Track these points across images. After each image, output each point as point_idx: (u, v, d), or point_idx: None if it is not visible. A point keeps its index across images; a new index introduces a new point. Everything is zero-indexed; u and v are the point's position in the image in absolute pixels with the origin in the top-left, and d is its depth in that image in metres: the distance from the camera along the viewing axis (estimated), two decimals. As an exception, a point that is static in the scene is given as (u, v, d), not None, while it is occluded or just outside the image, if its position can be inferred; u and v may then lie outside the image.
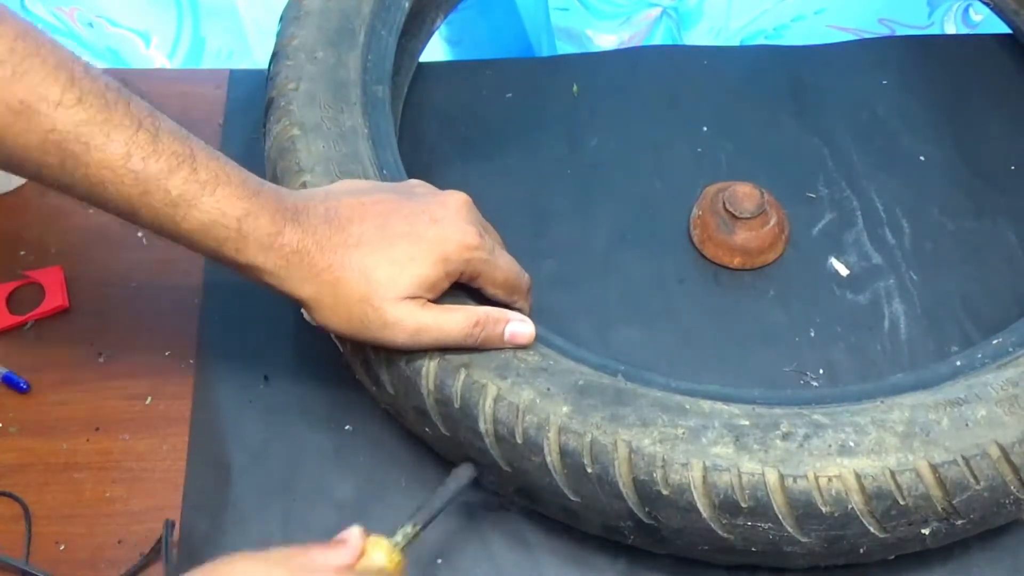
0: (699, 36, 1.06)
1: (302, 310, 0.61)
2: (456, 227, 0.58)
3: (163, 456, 0.67)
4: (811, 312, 0.73)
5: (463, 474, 0.59)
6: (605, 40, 1.08)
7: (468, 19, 1.07)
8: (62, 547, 0.63)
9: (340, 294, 0.56)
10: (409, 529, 0.55)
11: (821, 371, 0.70)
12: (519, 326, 0.59)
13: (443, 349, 0.58)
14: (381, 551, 0.53)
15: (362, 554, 0.52)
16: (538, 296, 0.66)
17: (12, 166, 0.53)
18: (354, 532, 0.52)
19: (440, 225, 0.57)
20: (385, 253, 0.56)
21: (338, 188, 0.61)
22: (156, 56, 1.08)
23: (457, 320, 0.57)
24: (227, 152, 0.81)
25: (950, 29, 1.07)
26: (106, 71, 0.55)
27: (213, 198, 0.54)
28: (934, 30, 1.07)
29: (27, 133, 0.51)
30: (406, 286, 0.56)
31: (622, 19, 1.06)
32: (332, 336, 0.63)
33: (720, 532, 0.55)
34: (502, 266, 0.60)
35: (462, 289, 0.60)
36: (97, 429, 0.68)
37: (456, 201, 0.60)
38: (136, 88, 0.56)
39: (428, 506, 0.57)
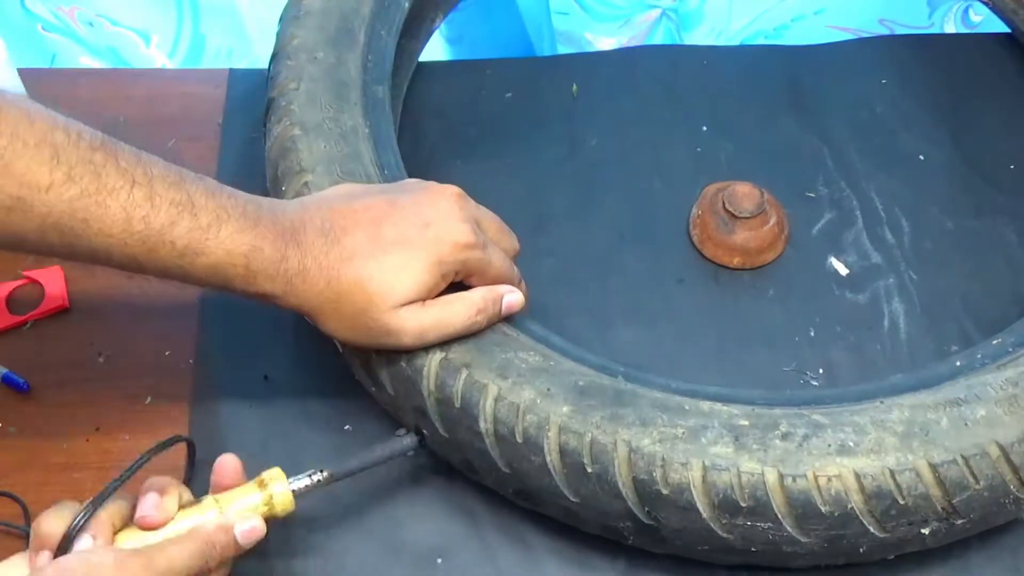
0: (700, 38, 1.06)
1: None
2: (449, 227, 0.58)
3: (163, 456, 0.67)
4: (811, 312, 0.73)
5: (398, 443, 0.60)
6: (605, 43, 1.08)
7: (468, 19, 1.07)
8: (62, 547, 0.63)
9: (341, 308, 0.56)
10: (316, 478, 0.57)
11: (821, 371, 0.70)
12: (511, 297, 0.60)
13: (444, 347, 0.58)
14: (274, 487, 0.55)
15: (247, 491, 0.55)
16: (538, 295, 0.66)
17: (13, 248, 0.53)
18: (232, 465, 0.56)
19: (432, 228, 0.57)
20: (378, 263, 0.56)
21: (332, 194, 0.61)
22: (156, 55, 1.08)
23: (459, 311, 0.58)
24: (227, 152, 0.82)
25: (950, 30, 1.07)
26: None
27: (217, 239, 0.54)
28: (934, 31, 1.07)
29: (24, 223, 0.51)
30: (403, 293, 0.56)
31: (621, 21, 1.06)
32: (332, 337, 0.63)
33: (720, 532, 0.55)
34: (495, 264, 0.60)
35: None
36: (97, 429, 0.68)
37: (447, 200, 0.59)
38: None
39: (350, 462, 0.58)
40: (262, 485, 0.56)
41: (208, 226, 0.53)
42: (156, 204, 0.52)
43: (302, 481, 0.57)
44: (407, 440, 0.60)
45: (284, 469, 0.66)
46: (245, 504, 0.55)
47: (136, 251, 0.53)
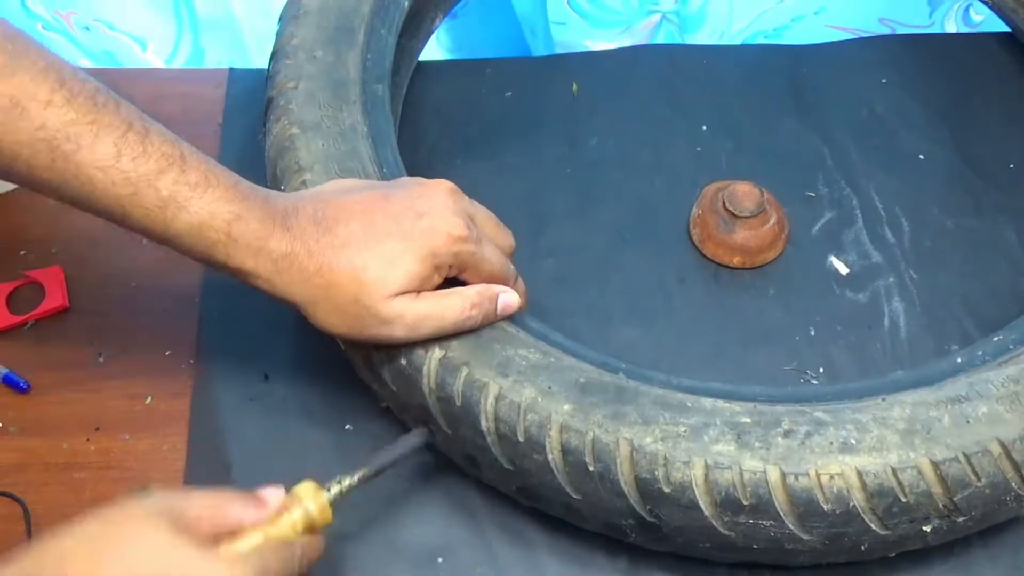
0: (701, 40, 1.06)
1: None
2: (443, 219, 0.57)
3: (163, 456, 0.67)
4: (811, 311, 0.73)
5: (413, 438, 0.59)
6: (605, 48, 1.07)
7: (465, 23, 1.07)
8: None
9: (333, 296, 0.56)
10: (346, 483, 0.55)
11: (821, 369, 0.70)
12: (507, 297, 0.60)
13: (444, 345, 0.58)
14: (309, 501, 0.53)
15: (283, 510, 0.52)
16: (538, 295, 0.66)
17: (2, 166, 0.53)
18: (274, 495, 0.53)
19: (426, 219, 0.57)
20: (373, 252, 0.56)
21: (327, 188, 0.61)
22: (153, 60, 1.08)
23: (453, 305, 0.57)
24: (227, 151, 0.82)
25: (951, 29, 1.07)
26: (101, 72, 0.55)
27: (202, 200, 0.54)
28: (935, 30, 1.07)
29: (17, 131, 0.52)
30: (397, 283, 0.56)
31: (622, 27, 1.05)
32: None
33: (722, 530, 0.55)
34: (488, 258, 0.60)
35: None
36: (97, 429, 0.68)
37: (441, 193, 0.59)
38: (136, 88, 0.56)
39: (371, 463, 0.57)
40: (296, 500, 0.53)
41: (195, 184, 0.54)
42: (148, 151, 0.53)
43: (333, 490, 0.55)
44: (419, 435, 0.59)
45: (285, 469, 0.66)
46: (285, 523, 0.53)
47: (120, 192, 0.53)
